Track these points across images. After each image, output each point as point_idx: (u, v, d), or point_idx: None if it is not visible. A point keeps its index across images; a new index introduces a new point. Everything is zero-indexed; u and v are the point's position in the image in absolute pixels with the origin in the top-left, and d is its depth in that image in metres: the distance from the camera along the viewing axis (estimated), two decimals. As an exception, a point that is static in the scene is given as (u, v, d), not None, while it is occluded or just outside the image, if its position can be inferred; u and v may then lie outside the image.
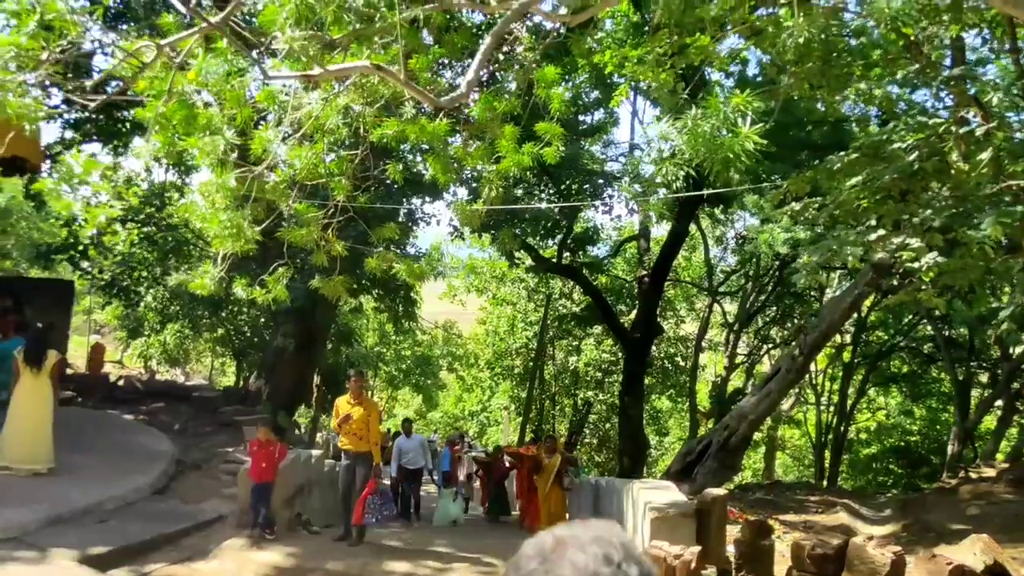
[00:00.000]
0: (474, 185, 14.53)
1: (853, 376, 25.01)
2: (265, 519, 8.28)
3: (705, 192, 10.09)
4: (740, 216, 23.63)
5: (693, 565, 4.88)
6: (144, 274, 18.60)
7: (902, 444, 26.24)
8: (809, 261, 6.37)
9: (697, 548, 5.14)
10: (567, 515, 12.00)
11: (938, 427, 26.39)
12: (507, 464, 13.88)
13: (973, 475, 13.41)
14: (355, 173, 6.72)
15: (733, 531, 9.08)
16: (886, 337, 24.85)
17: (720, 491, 7.88)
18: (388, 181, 11.52)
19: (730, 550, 7.71)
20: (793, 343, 16.97)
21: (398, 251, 10.96)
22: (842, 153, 6.77)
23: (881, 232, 5.86)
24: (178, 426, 13.25)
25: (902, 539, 9.49)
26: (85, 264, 17.45)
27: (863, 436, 29.59)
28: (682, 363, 29.01)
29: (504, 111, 6.06)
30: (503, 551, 8.99)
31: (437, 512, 12.50)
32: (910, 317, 22.65)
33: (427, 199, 16.50)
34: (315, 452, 11.41)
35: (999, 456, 18.60)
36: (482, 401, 35.82)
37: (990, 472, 13.53)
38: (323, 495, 10.08)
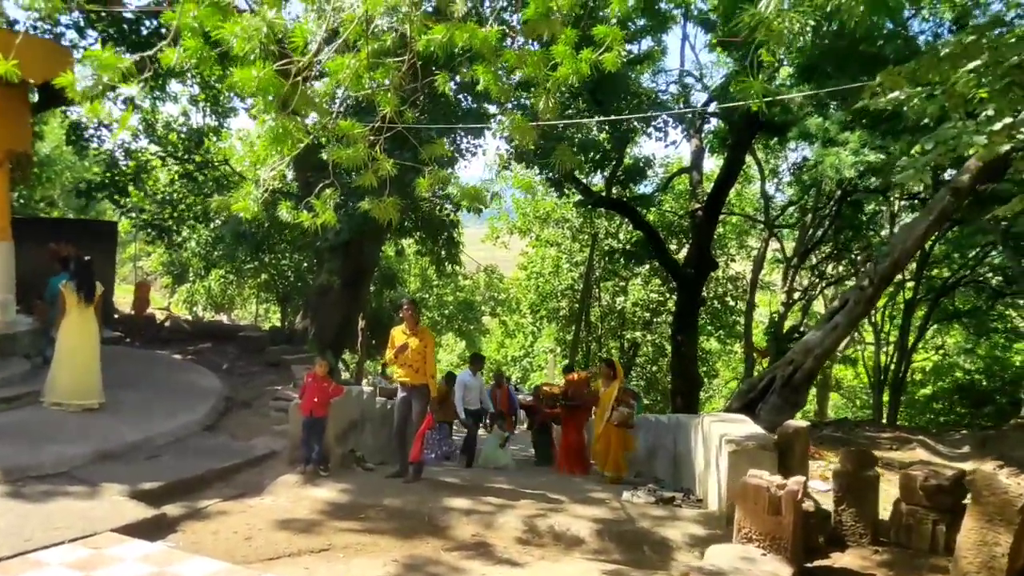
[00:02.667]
0: (525, 104, 13.71)
1: (913, 314, 24.02)
2: (318, 455, 7.97)
3: (794, 96, 9.25)
4: (796, 147, 22.57)
5: (800, 496, 4.35)
6: (186, 213, 18.33)
7: (966, 381, 25.23)
8: (916, 157, 5.63)
9: (801, 478, 4.61)
10: (630, 455, 10.18)
11: (1001, 364, 25.35)
12: (546, 408, 11.38)
13: (1057, 410, 12.64)
14: (402, 84, 6.18)
15: (812, 467, 8.57)
16: (948, 273, 23.74)
17: (802, 423, 7.33)
18: (438, 97, 10.88)
19: (818, 485, 7.20)
20: (861, 272, 16.20)
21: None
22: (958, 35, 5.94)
23: (1008, 120, 5.11)
24: (226, 365, 13.05)
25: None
26: (126, 203, 17.19)
27: (918, 376, 28.66)
28: (732, 303, 28.27)
29: (561, 6, 5.42)
30: (567, 489, 8.57)
31: (482, 455, 11.11)
32: (976, 250, 21.53)
33: (469, 137, 15.94)
34: (366, 388, 11.08)
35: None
36: (524, 346, 35.47)
37: (1074, 407, 12.76)
38: (376, 431, 9.76)
